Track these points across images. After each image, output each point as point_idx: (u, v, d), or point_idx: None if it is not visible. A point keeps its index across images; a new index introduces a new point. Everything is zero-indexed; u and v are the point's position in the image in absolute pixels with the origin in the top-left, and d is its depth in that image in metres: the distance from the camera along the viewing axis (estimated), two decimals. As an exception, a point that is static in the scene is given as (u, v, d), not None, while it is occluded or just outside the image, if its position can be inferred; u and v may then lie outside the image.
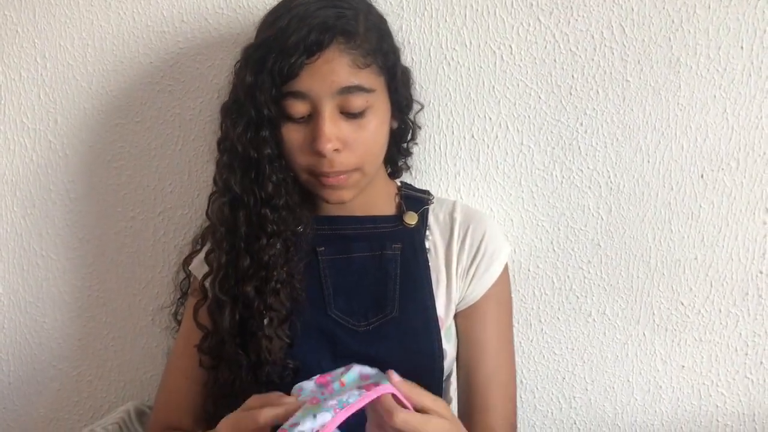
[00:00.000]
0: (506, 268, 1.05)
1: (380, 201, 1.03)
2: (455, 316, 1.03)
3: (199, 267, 1.03)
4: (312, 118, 0.89)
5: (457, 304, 1.02)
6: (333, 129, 0.88)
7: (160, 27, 1.15)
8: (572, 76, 1.12)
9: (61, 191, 1.23)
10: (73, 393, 1.31)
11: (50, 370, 1.31)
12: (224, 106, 0.95)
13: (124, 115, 1.19)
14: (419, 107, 1.10)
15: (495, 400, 0.99)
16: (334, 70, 0.87)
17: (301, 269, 0.96)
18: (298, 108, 0.88)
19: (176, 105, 1.18)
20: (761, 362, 1.19)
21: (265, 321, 0.94)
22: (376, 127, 0.91)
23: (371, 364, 0.98)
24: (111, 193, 1.22)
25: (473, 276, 1.01)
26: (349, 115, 0.89)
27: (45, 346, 1.30)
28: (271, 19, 0.91)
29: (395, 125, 1.00)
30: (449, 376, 1.07)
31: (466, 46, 1.12)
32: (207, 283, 0.99)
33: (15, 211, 1.24)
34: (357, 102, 0.88)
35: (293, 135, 0.90)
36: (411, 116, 1.07)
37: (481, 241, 1.02)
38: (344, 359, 0.97)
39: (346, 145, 0.89)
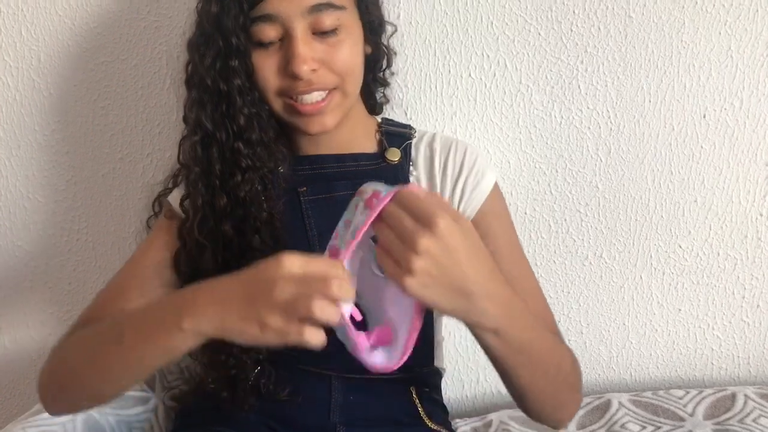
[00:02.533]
0: (497, 187, 1.01)
1: (360, 138, 1.01)
2: None
3: (176, 201, 0.99)
4: (284, 42, 0.87)
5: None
6: (307, 50, 0.85)
7: (144, -41, 1.11)
8: (573, 11, 1.09)
9: (46, 132, 1.20)
10: (65, 337, 1.30)
11: (40, 314, 1.30)
12: (190, 42, 0.92)
13: (110, 53, 1.16)
14: (393, 29, 1.07)
15: (534, 308, 0.94)
16: None
17: (281, 209, 0.94)
18: (269, 32, 0.86)
19: (163, 42, 1.15)
20: (758, 305, 1.19)
21: (248, 261, 0.91)
22: (351, 45, 0.89)
23: (359, 306, 0.97)
24: (98, 134, 1.20)
25: (461, 196, 0.98)
26: (322, 34, 0.87)
27: (35, 290, 1.28)
28: None
29: (369, 50, 0.97)
30: (440, 314, 1.05)
31: (463, -21, 1.09)
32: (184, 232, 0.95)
33: (0, 154, 1.21)
34: (329, 20, 0.86)
35: (265, 61, 0.88)
36: (384, 40, 1.04)
37: (462, 162, 0.99)
38: None
39: (323, 64, 0.87)
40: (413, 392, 0.99)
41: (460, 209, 0.99)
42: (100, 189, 1.22)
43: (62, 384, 0.85)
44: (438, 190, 0.99)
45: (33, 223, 1.25)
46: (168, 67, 1.16)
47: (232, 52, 0.87)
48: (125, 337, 0.78)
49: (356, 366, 0.96)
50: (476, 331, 0.74)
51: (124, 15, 1.14)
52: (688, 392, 1.16)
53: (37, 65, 1.16)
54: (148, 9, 1.13)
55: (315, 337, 0.65)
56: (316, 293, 0.64)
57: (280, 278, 0.66)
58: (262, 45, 0.87)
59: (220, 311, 0.69)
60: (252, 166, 0.91)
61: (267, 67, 0.88)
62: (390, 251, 0.68)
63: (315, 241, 0.96)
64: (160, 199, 1.03)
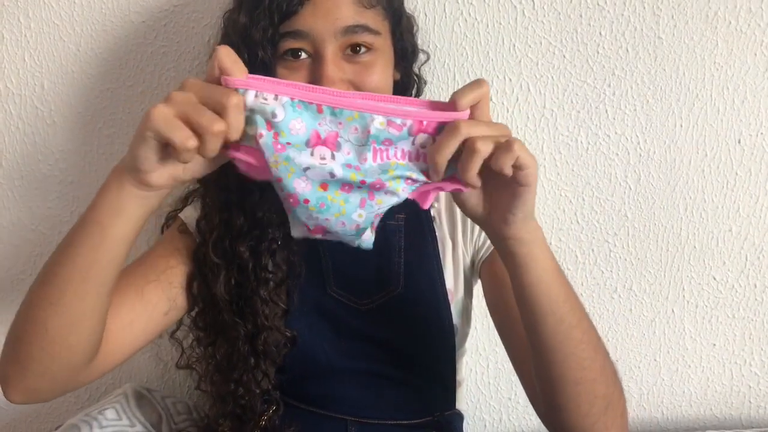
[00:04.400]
0: None
1: None
2: (480, 274, 0.96)
3: (189, 219, 0.95)
4: (313, 61, 0.82)
5: (477, 258, 0.96)
6: (337, 72, 0.80)
7: (152, -18, 1.07)
8: (599, 33, 1.04)
9: (50, 161, 1.15)
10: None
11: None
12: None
13: (116, 79, 1.11)
14: (425, 57, 1.03)
15: None
16: (339, 7, 0.80)
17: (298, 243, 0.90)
18: (298, 45, 0.81)
19: (171, 68, 1.11)
20: (799, 340, 1.13)
21: (262, 283, 0.88)
22: (382, 70, 0.84)
23: (377, 347, 0.92)
24: (103, 163, 1.15)
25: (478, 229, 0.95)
26: (353, 58, 0.82)
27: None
28: None
29: (398, 76, 0.93)
30: (462, 354, 1.02)
31: (484, 0, 1.04)
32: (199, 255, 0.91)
33: (2, 184, 1.17)
34: (362, 42, 0.82)
35: (291, 76, 0.83)
36: (416, 68, 1.00)
37: None
38: (347, 339, 0.92)
39: (351, 86, 0.83)
40: None
41: (482, 237, 0.95)
42: None
43: (21, 349, 0.74)
44: (459, 225, 0.96)
45: (37, 256, 1.20)
46: (176, 93, 1.11)
47: (257, 66, 0.82)
48: (68, 238, 0.72)
49: (373, 411, 0.91)
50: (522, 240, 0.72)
51: (131, 40, 1.10)
52: (725, 434, 1.10)
53: (40, 92, 1.12)
54: (155, 34, 1.09)
55: (185, 138, 0.62)
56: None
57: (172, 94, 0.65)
58: (289, 60, 0.83)
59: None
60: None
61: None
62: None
63: (330, 276, 0.92)
64: (168, 222, 0.98)
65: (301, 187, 0.67)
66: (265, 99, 0.65)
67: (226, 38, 0.87)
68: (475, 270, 0.97)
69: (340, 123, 0.66)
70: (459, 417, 0.99)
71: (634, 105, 1.06)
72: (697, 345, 1.16)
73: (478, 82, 0.67)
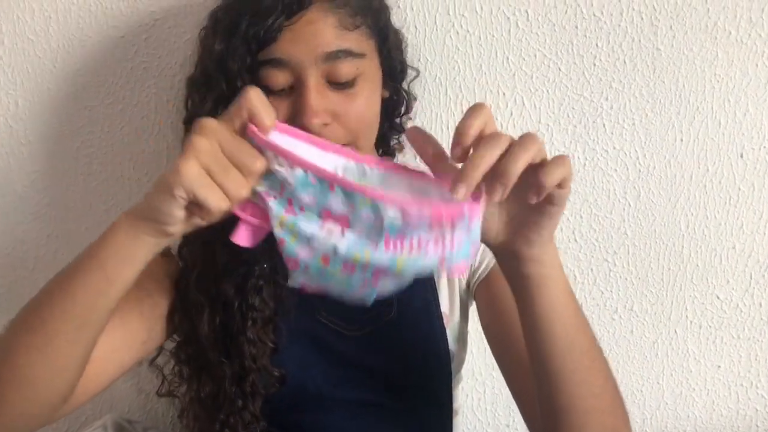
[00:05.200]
0: None
1: None
2: (475, 297, 0.93)
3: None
4: (294, 90, 0.77)
5: (473, 280, 0.93)
6: (320, 101, 0.76)
7: (131, -4, 1.03)
8: (596, 44, 1.01)
9: (25, 182, 1.11)
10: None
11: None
12: (190, 79, 0.85)
13: (94, 97, 1.07)
14: (414, 74, 0.99)
15: None
16: (319, 33, 0.76)
17: (285, 268, 0.85)
18: (278, 79, 0.77)
19: (152, 84, 1.07)
20: (807, 361, 1.10)
21: (248, 323, 0.84)
22: (368, 97, 0.80)
23: (369, 374, 0.88)
24: (81, 184, 1.11)
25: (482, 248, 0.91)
26: (337, 84, 0.78)
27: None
28: None
29: (386, 94, 0.89)
30: (458, 380, 0.98)
31: (476, 12, 1.01)
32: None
33: (-25, 206, 1.13)
34: (345, 69, 0.77)
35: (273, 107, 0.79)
36: (405, 85, 0.96)
37: None
38: (339, 368, 0.88)
39: (336, 118, 0.78)
40: None
41: (478, 260, 0.92)
42: (84, 244, 1.09)
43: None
44: None
45: (14, 282, 1.16)
46: (157, 111, 1.07)
47: (235, 95, 0.78)
48: (66, 276, 0.69)
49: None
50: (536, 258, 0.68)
51: (110, 56, 1.06)
52: (734, 460, 1.06)
53: (14, 111, 1.08)
54: (135, 49, 1.05)
55: (219, 200, 0.61)
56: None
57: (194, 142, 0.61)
58: (271, 92, 0.78)
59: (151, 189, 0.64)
60: None
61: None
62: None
63: (318, 303, 0.88)
64: None
65: (303, 254, 0.64)
66: (281, 165, 0.62)
67: (202, 64, 0.83)
68: (471, 292, 0.94)
69: (351, 205, 0.61)
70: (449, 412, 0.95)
71: (633, 119, 1.03)
72: (702, 367, 1.12)
73: (478, 107, 0.62)
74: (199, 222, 0.65)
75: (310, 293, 0.81)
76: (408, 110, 0.98)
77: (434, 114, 1.06)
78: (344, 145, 0.78)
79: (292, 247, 0.64)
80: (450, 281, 0.93)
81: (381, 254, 0.61)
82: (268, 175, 0.63)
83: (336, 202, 0.62)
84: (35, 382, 0.68)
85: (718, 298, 1.09)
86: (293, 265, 0.65)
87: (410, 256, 0.61)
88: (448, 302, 0.92)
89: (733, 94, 1.02)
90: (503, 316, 0.88)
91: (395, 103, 0.95)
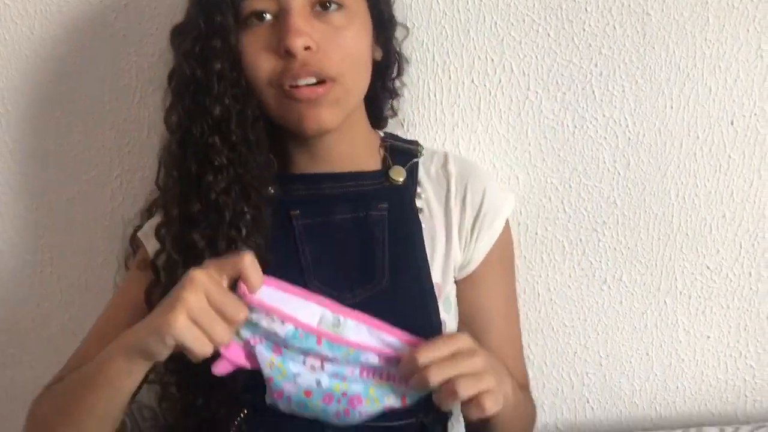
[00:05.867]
0: (507, 231, 0.96)
1: (362, 154, 0.92)
2: (457, 287, 0.93)
3: (149, 238, 0.91)
4: (278, 19, 0.77)
5: (458, 271, 0.92)
6: (303, 24, 0.76)
7: (110, -40, 1.01)
8: (585, 9, 1.00)
9: (3, 152, 1.10)
10: (29, 381, 1.18)
11: (1, 356, 1.19)
12: (173, 30, 0.84)
13: (72, 63, 1.06)
14: (405, 34, 0.98)
15: (509, 365, 0.88)
16: None
17: (270, 234, 0.84)
18: (261, 7, 0.77)
19: (132, 51, 1.05)
20: (796, 331, 1.09)
21: None
22: (355, 33, 0.80)
23: None
24: (61, 154, 1.09)
25: (476, 237, 0.92)
26: (324, 16, 0.78)
27: (-7, 329, 1.17)
28: None
29: (379, 55, 0.89)
30: None
31: (464, -24, 1.00)
32: (158, 262, 0.87)
33: (-48, 177, 1.11)
34: None
35: (256, 42, 0.79)
36: (396, 45, 0.96)
37: (483, 198, 0.92)
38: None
39: (320, 47, 0.78)
40: None
41: (470, 253, 0.92)
42: (65, 215, 1.11)
43: None
44: (455, 218, 0.92)
45: (-10, 255, 1.14)
46: (138, 79, 1.06)
47: (214, 32, 0.78)
48: (83, 386, 0.77)
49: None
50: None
51: (89, 22, 1.04)
52: (723, 430, 1.05)
53: (-9, 79, 1.06)
54: (115, 15, 1.03)
55: (204, 346, 0.68)
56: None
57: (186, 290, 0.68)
58: (253, 24, 0.78)
59: (144, 327, 0.72)
60: (227, 164, 0.81)
61: (257, 49, 0.79)
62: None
63: (309, 270, 0.87)
64: (135, 239, 0.95)
65: (287, 388, 0.74)
66: (273, 320, 0.71)
67: (186, 15, 0.82)
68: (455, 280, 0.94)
69: (334, 356, 0.73)
70: (445, 416, 0.95)
71: (623, 85, 1.02)
72: (691, 338, 1.11)
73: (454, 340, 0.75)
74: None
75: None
76: (400, 72, 0.97)
77: (421, 81, 1.04)
78: (332, 80, 0.79)
79: (279, 383, 0.73)
80: (446, 255, 0.91)
81: (356, 381, 0.74)
82: (251, 323, 0.71)
83: (321, 352, 0.72)
84: None
85: (708, 267, 1.08)
86: (278, 396, 0.75)
87: (381, 384, 0.74)
88: (441, 273, 0.91)
89: (723, 59, 1.00)
90: (473, 322, 0.92)
91: (387, 63, 0.94)
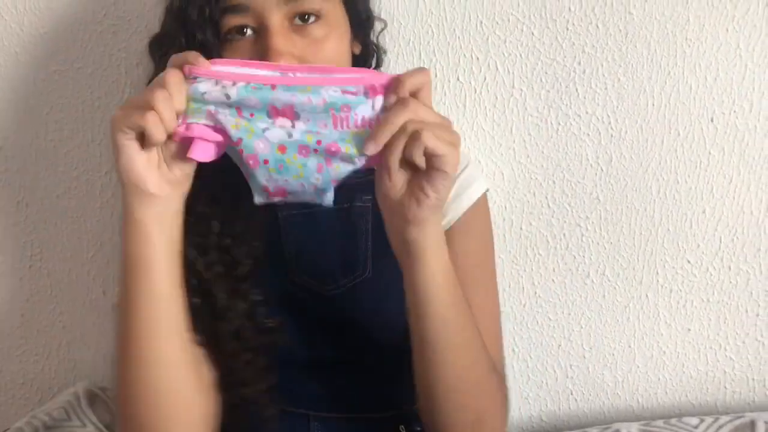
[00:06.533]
0: (485, 201, 0.95)
1: None
2: None
3: None
4: (259, 36, 0.77)
5: None
6: (284, 43, 0.75)
7: (99, -43, 1.01)
8: (569, 8, 1.01)
9: (-7, 148, 1.09)
10: (17, 374, 1.18)
11: (-9, 350, 1.18)
12: (151, 41, 0.85)
13: (62, 60, 1.06)
14: (382, 25, 0.98)
15: (485, 338, 0.85)
16: None
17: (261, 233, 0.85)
18: (240, 25, 0.77)
19: (122, 48, 1.05)
20: (774, 323, 1.11)
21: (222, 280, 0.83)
22: (336, 42, 0.80)
23: (344, 332, 0.88)
24: (51, 151, 1.09)
25: (453, 198, 0.91)
26: (303, 29, 0.77)
27: (-17, 324, 1.17)
28: None
29: (357, 50, 0.89)
30: None
31: (449, -25, 1.00)
32: None
33: (-58, 174, 1.11)
34: (309, 9, 0.77)
35: (237, 55, 0.78)
36: (373, 38, 0.95)
37: (463, 170, 0.93)
38: (312, 328, 0.88)
39: (302, 62, 0.77)
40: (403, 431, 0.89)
41: (447, 209, 0.91)
42: (55, 211, 1.11)
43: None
44: None
45: (-20, 250, 1.14)
46: (127, 75, 1.06)
47: (195, 49, 0.77)
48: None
49: (338, 404, 0.86)
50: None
51: (78, 19, 1.04)
52: (703, 420, 1.06)
53: (-19, 76, 1.06)
54: (104, 12, 1.03)
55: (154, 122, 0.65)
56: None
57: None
58: (234, 38, 0.78)
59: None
60: (212, 173, 0.80)
61: None
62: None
63: (293, 261, 0.88)
64: None
65: (260, 147, 0.67)
66: (224, 86, 0.67)
67: (164, 26, 0.83)
68: None
69: (293, 95, 0.67)
70: None
71: (605, 83, 1.03)
72: (672, 330, 1.13)
73: (420, 70, 0.68)
74: (167, 173, 0.70)
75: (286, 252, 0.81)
76: (379, 64, 0.97)
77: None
78: None
79: (250, 143, 0.67)
80: None
81: (330, 132, 0.67)
82: (205, 98, 0.67)
83: (279, 96, 0.66)
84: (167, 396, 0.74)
85: (688, 262, 1.10)
86: (254, 162, 0.68)
87: (357, 132, 0.67)
88: None
89: (704, 58, 1.02)
90: None
91: (365, 55, 0.93)
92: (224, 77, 0.67)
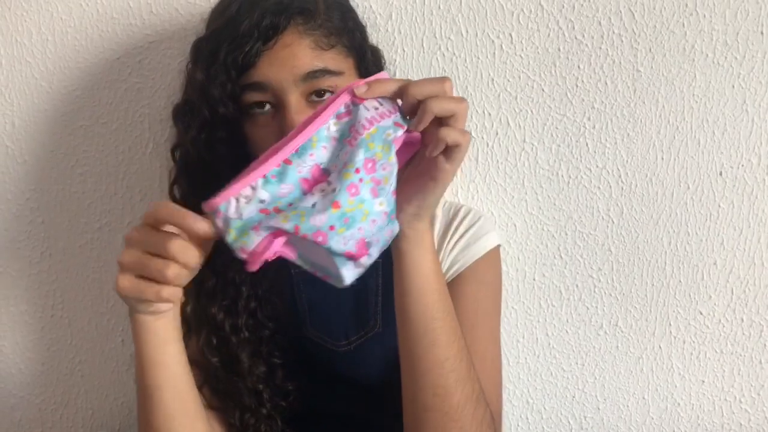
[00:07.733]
0: (496, 254, 0.96)
1: None
2: None
3: None
4: (278, 111, 0.80)
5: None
6: (302, 120, 0.78)
7: (126, 19, 1.05)
8: (578, 66, 1.04)
9: (20, 201, 1.12)
10: (36, 423, 1.20)
11: (10, 399, 1.20)
12: (175, 109, 0.88)
13: (88, 117, 1.09)
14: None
15: (483, 382, 0.85)
16: (295, 55, 0.78)
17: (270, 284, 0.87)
18: (261, 101, 0.80)
19: (145, 105, 1.08)
20: (789, 375, 1.11)
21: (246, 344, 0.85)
22: None
23: (355, 389, 0.89)
24: (75, 203, 1.12)
25: (459, 251, 0.93)
26: (318, 99, 0.80)
27: (4, 372, 1.19)
28: (221, 8, 0.84)
29: None
30: None
31: (462, 35, 1.03)
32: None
33: (-30, 225, 1.14)
34: (324, 87, 0.80)
35: (260, 130, 0.82)
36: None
37: (462, 220, 0.95)
38: (324, 382, 0.89)
39: None
40: None
41: (450, 261, 0.92)
42: (77, 261, 1.14)
43: None
44: (443, 254, 0.92)
45: (4, 299, 1.16)
46: (150, 131, 1.09)
47: (219, 123, 0.80)
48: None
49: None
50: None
51: (105, 77, 1.08)
52: (719, 473, 1.06)
53: (11, 130, 1.10)
54: (129, 70, 1.07)
55: (172, 294, 0.66)
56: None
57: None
58: (255, 111, 0.81)
59: None
60: None
61: (261, 136, 0.82)
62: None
63: (306, 317, 0.89)
64: None
65: (318, 220, 0.64)
66: (247, 197, 0.64)
67: (186, 94, 0.86)
68: None
69: (311, 155, 0.66)
70: None
71: (615, 138, 1.05)
72: (686, 382, 1.13)
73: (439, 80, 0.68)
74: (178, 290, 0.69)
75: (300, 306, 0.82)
76: None
77: (422, 133, 1.07)
78: None
79: (307, 223, 0.64)
80: None
81: (354, 153, 0.65)
82: (243, 223, 0.64)
83: (300, 166, 0.65)
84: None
85: (700, 313, 1.10)
86: (323, 238, 0.64)
87: (371, 133, 0.65)
88: None
89: (711, 114, 1.04)
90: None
91: None
92: (239, 189, 0.64)
